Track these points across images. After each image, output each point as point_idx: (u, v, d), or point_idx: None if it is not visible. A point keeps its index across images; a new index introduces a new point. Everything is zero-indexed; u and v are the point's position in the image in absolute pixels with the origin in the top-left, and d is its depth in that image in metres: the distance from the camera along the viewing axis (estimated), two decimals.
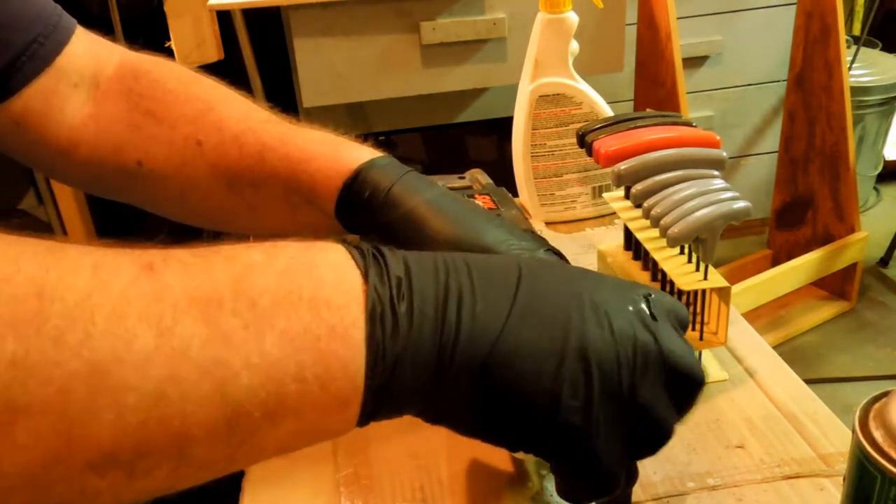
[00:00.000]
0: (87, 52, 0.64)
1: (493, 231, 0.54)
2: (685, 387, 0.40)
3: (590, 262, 0.79)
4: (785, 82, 1.93)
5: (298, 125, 0.62)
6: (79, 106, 0.63)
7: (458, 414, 0.38)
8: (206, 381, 0.31)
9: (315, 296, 0.34)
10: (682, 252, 0.63)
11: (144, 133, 0.62)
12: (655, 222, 0.59)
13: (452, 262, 0.38)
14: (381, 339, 0.35)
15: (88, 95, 0.64)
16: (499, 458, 0.56)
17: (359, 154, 0.58)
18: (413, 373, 0.35)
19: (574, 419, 0.37)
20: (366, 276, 0.36)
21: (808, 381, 0.62)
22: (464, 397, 0.37)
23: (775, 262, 2.01)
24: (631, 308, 0.39)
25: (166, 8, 1.64)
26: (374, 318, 0.35)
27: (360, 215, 0.56)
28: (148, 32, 1.68)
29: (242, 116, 0.62)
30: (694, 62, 1.95)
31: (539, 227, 0.87)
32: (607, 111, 0.84)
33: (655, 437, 0.40)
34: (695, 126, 0.67)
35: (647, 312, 0.39)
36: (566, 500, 0.47)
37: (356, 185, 0.56)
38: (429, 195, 0.55)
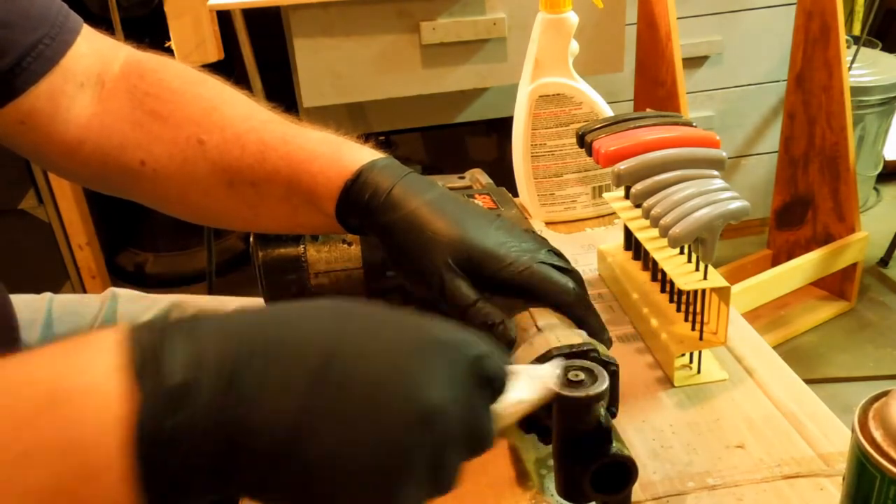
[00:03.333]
0: (93, 51, 0.64)
1: (493, 233, 0.54)
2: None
3: (590, 262, 0.79)
4: (785, 82, 1.93)
5: (301, 125, 0.62)
6: (85, 105, 0.63)
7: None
8: None
9: (68, 441, 0.30)
10: (682, 252, 0.63)
11: (148, 132, 0.62)
12: (655, 222, 0.59)
13: (249, 346, 0.34)
14: (155, 465, 0.31)
15: (94, 94, 0.64)
16: (499, 458, 0.56)
17: (360, 155, 0.58)
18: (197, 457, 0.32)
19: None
20: (136, 386, 0.31)
21: (808, 381, 0.62)
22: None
23: (775, 262, 2.01)
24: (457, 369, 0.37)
25: (166, 8, 1.64)
26: (143, 441, 0.31)
27: (361, 216, 0.56)
28: (148, 32, 1.68)
29: (246, 116, 0.62)
30: (694, 62, 1.95)
31: (539, 227, 0.87)
32: (607, 111, 0.84)
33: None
34: (695, 126, 0.67)
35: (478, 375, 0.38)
36: (566, 499, 0.47)
37: (357, 187, 0.56)
38: (429, 196, 0.55)
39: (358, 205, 0.56)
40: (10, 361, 0.33)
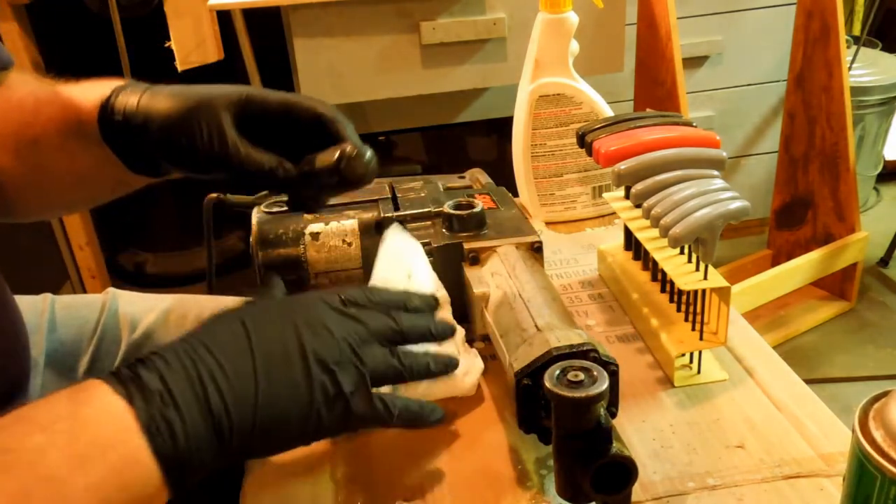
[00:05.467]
0: None
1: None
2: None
3: (590, 262, 0.79)
4: (785, 82, 1.93)
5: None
6: None
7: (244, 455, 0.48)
8: None
9: (102, 445, 0.41)
10: (682, 252, 0.63)
11: None
12: (655, 222, 0.59)
13: (194, 350, 0.45)
14: (164, 448, 0.42)
15: None
16: (499, 458, 0.56)
17: (118, 83, 0.60)
18: (199, 456, 0.43)
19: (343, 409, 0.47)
20: (131, 401, 0.42)
21: (808, 381, 0.62)
22: (245, 445, 0.45)
23: (775, 262, 2.01)
24: (332, 306, 0.50)
25: (166, 8, 1.63)
26: (152, 433, 0.41)
27: (132, 141, 0.58)
28: (148, 32, 1.67)
29: (31, 86, 0.64)
30: (694, 62, 1.95)
31: (539, 227, 0.87)
32: (607, 111, 0.84)
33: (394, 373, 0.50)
34: (695, 126, 0.67)
35: (342, 303, 0.51)
36: (566, 499, 0.47)
37: (111, 107, 0.58)
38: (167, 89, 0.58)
39: (120, 127, 0.58)
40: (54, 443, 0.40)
